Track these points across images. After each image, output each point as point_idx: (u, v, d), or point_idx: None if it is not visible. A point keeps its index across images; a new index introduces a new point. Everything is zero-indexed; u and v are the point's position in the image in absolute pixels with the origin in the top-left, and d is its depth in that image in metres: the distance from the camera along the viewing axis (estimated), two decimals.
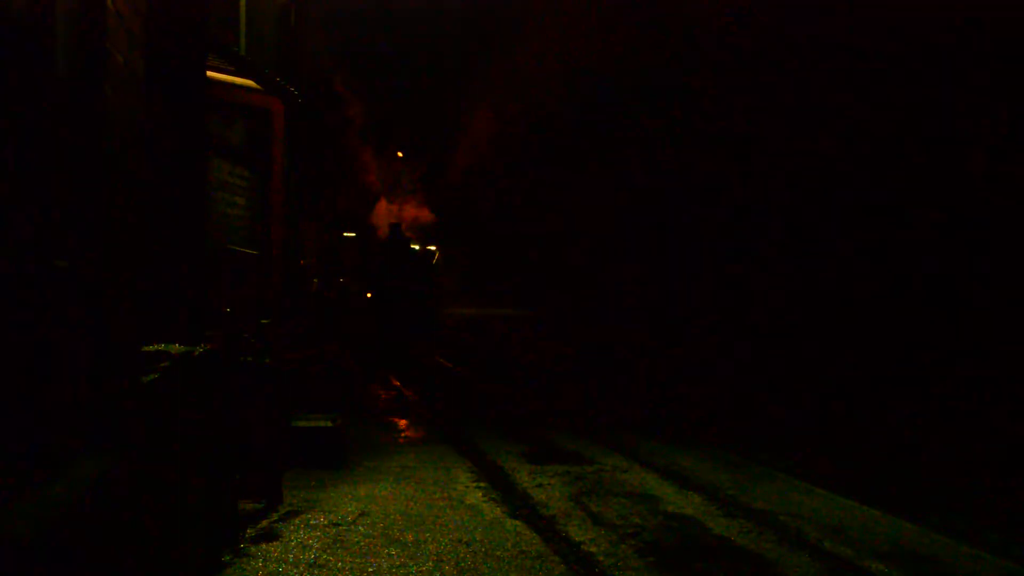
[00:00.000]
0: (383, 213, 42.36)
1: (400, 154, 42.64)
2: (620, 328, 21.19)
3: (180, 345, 4.13)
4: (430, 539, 5.83)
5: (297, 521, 6.21)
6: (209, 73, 5.92)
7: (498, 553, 5.54)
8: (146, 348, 3.77)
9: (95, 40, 2.85)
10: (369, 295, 36.16)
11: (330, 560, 5.28)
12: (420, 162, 43.80)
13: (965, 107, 11.54)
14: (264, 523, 6.14)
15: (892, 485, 8.12)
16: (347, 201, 40.87)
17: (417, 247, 32.45)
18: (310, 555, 5.37)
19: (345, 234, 47.52)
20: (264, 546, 5.54)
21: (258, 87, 6.93)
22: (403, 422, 11.87)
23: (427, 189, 43.78)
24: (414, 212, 41.93)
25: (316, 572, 5.06)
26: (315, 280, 34.09)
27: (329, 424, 8.40)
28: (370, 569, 5.13)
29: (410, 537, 5.87)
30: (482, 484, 7.76)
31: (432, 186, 43.22)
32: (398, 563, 5.26)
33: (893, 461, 9.40)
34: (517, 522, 6.40)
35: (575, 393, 15.90)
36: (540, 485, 7.85)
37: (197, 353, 4.24)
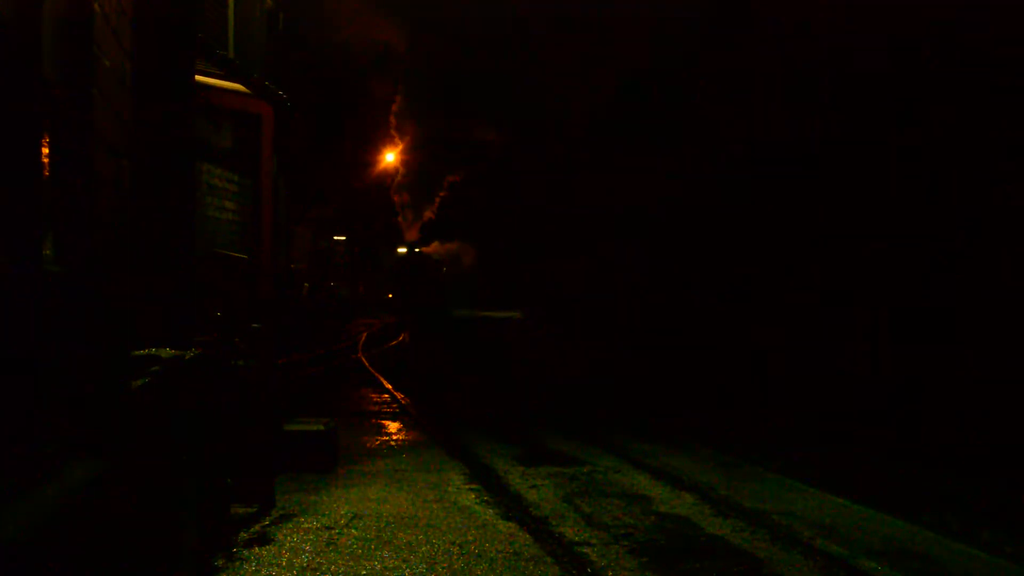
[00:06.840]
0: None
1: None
2: (609, 332, 21.34)
3: (170, 349, 4.12)
4: (423, 541, 5.82)
5: (290, 525, 6.19)
6: (197, 77, 5.90)
7: (491, 555, 5.54)
8: (136, 352, 3.75)
9: (82, 44, 2.84)
10: (391, 296, 45.80)
11: (323, 563, 5.26)
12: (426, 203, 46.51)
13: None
14: (256, 527, 6.11)
15: (883, 484, 8.15)
16: (338, 204, 41.51)
17: (429, 260, 41.63)
18: (303, 559, 5.35)
19: (336, 238, 48.05)
20: (257, 550, 5.52)
21: (247, 91, 6.91)
22: (395, 425, 11.84)
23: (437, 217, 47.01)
24: (435, 244, 45.82)
25: (309, 575, 5.06)
26: (305, 284, 34.29)
27: (321, 428, 8.37)
28: (363, 572, 5.12)
29: (403, 539, 5.86)
30: (475, 486, 7.75)
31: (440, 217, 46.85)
32: (391, 565, 5.26)
33: (884, 460, 9.44)
34: (510, 524, 6.40)
35: (568, 394, 15.91)
36: (533, 486, 7.86)
37: (187, 357, 4.23)
